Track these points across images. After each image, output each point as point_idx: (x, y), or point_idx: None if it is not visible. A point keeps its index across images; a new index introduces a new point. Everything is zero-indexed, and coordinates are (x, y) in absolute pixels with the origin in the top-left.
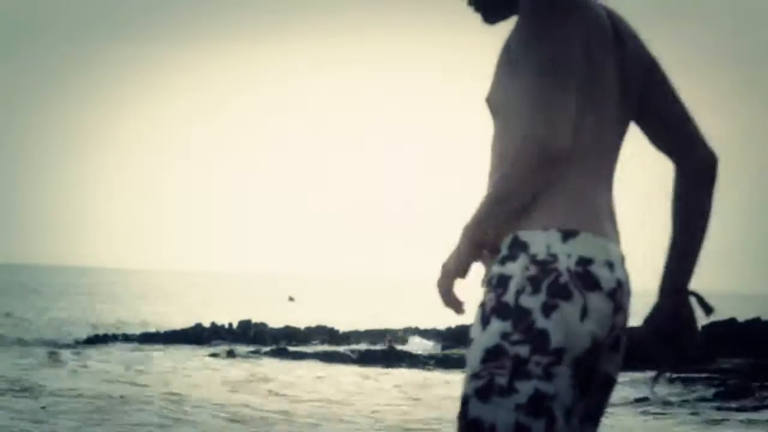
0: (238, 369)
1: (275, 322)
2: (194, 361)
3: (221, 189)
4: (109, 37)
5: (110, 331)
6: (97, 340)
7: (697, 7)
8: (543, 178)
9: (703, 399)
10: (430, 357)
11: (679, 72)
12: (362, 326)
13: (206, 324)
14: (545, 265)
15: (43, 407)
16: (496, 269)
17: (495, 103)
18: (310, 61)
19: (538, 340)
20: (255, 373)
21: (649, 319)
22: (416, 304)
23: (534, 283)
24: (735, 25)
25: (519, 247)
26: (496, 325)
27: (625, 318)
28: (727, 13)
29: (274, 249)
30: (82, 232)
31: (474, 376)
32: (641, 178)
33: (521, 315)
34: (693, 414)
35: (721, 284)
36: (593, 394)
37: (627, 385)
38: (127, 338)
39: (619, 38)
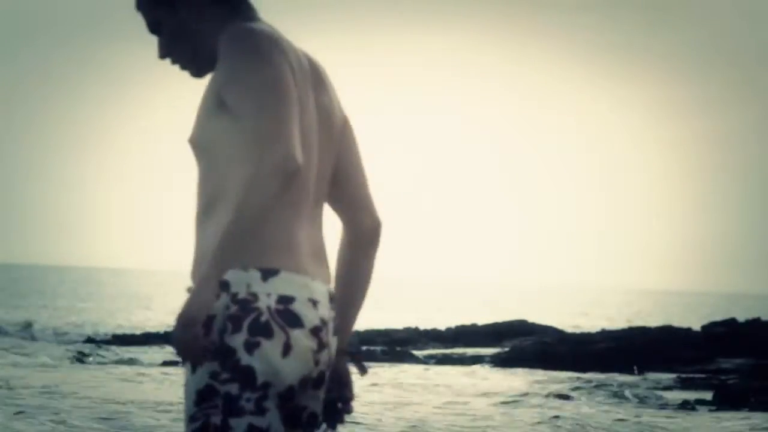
0: None
1: None
2: None
3: None
4: (109, 36)
5: (109, 332)
6: (94, 340)
7: (697, 7)
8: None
9: (703, 399)
10: (430, 357)
11: (679, 72)
12: (362, 326)
13: None
14: (246, 304)
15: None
16: None
17: (203, 143)
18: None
19: (246, 376)
20: None
21: None
22: (416, 304)
23: (235, 322)
24: (734, 25)
25: (221, 286)
26: (205, 366)
27: (330, 355)
28: (727, 13)
29: None
30: (82, 232)
31: (191, 419)
32: (641, 179)
33: (227, 354)
34: (693, 412)
35: (721, 284)
36: (300, 429)
37: (628, 385)
38: (128, 339)
39: (320, 85)
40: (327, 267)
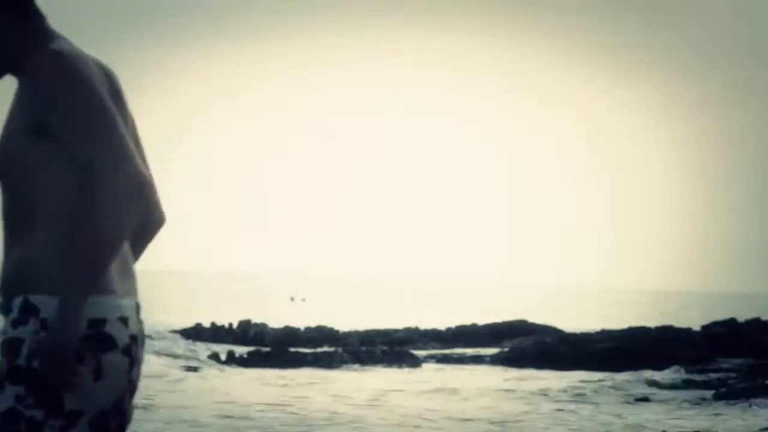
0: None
1: (275, 322)
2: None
3: (221, 189)
4: (108, 37)
5: None
6: None
7: (697, 7)
8: (139, 211)
9: (703, 399)
10: (430, 357)
11: (679, 72)
12: (362, 326)
13: (206, 324)
14: None
15: None
16: (9, 333)
17: (11, 168)
18: (309, 60)
19: (52, 403)
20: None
21: None
22: (416, 304)
23: None
24: (734, 25)
25: (30, 311)
26: (11, 390)
27: (139, 370)
28: (727, 13)
29: (274, 249)
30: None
31: None
32: (641, 179)
33: (34, 379)
34: (693, 412)
35: (721, 284)
36: None
37: (627, 385)
38: None
39: (117, 96)
40: (133, 278)
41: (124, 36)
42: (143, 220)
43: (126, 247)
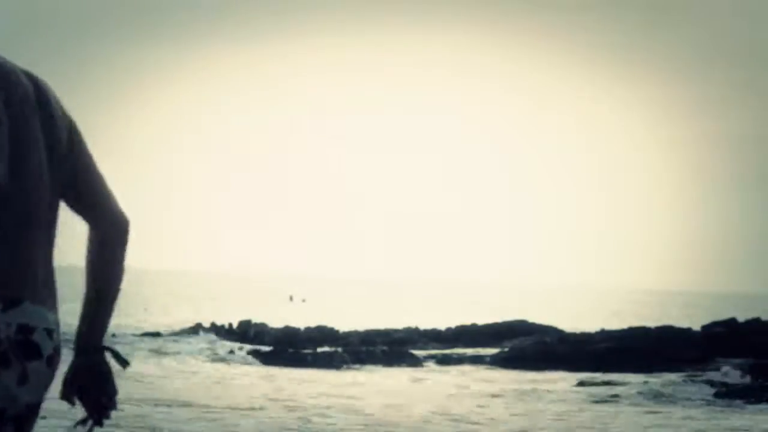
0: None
1: (275, 322)
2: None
3: (222, 189)
4: (109, 38)
5: (110, 331)
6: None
7: (697, 7)
8: None
9: (703, 398)
10: (430, 357)
11: (679, 72)
12: (362, 326)
13: (206, 324)
14: None
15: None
16: None
17: None
18: (311, 61)
19: None
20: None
21: (71, 378)
22: (416, 304)
23: None
24: (734, 25)
25: None
26: None
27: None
28: (727, 13)
29: (274, 249)
30: (81, 231)
31: None
32: (641, 179)
33: None
34: (693, 411)
35: (721, 284)
36: None
37: (630, 385)
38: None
39: (42, 102)
40: (54, 294)
41: (125, 36)
42: (99, 230)
43: (51, 260)
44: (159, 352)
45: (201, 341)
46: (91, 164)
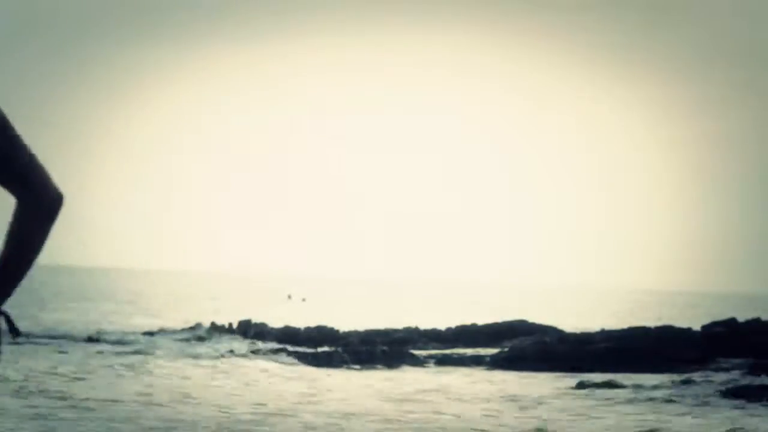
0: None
1: (275, 322)
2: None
3: (222, 189)
4: (109, 38)
5: (111, 330)
6: (95, 339)
7: (697, 7)
8: None
9: (703, 398)
10: (430, 357)
11: (679, 72)
12: (362, 326)
13: (206, 324)
14: None
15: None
16: None
17: None
18: (311, 61)
19: None
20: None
21: None
22: (416, 304)
23: None
24: (734, 25)
25: None
26: None
27: None
28: (727, 13)
29: (274, 249)
30: (81, 231)
31: None
32: (641, 179)
33: None
34: (693, 411)
35: (721, 284)
36: None
37: (629, 387)
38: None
39: None
40: None
41: (125, 36)
42: (27, 204)
43: None
44: (197, 356)
45: (234, 342)
46: (15, 137)
